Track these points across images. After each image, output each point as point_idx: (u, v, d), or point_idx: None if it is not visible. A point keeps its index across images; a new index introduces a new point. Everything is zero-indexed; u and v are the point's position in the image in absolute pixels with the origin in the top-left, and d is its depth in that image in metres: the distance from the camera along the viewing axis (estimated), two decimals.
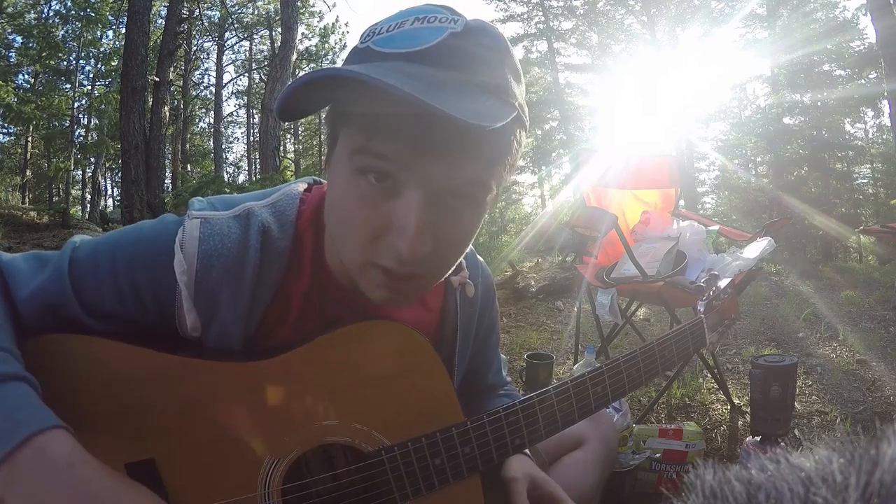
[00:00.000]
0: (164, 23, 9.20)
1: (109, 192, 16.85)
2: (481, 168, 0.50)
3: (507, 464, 0.71)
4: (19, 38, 13.20)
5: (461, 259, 0.73)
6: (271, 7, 15.29)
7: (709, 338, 0.87)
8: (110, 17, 13.35)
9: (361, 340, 0.61)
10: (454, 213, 0.52)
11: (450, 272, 0.58)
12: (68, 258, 0.58)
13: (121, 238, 0.61)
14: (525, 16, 16.29)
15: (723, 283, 0.94)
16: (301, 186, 0.67)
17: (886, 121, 11.27)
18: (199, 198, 0.63)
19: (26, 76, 13.63)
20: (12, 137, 14.56)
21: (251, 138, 17.94)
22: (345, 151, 0.51)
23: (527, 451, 0.73)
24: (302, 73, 0.48)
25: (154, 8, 9.85)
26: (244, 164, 19.13)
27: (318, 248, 0.63)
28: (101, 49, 13.97)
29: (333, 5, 14.38)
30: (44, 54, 12.81)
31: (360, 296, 0.58)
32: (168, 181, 11.43)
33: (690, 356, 0.94)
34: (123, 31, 8.79)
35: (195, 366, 0.57)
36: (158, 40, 9.56)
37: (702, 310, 0.88)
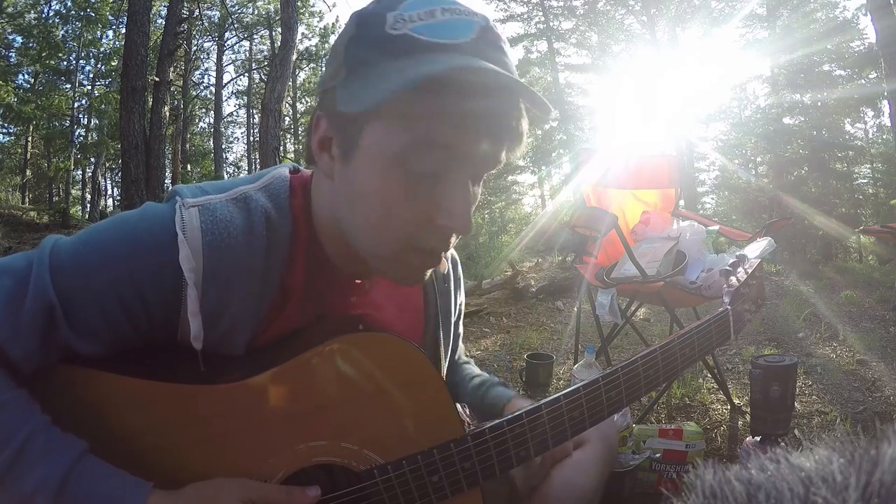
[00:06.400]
0: (164, 23, 9.17)
1: (109, 192, 16.84)
2: (508, 151, 0.54)
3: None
4: (19, 38, 13.21)
5: None
6: (271, 7, 15.28)
7: (734, 329, 0.79)
8: (110, 17, 13.37)
9: (350, 355, 0.58)
10: (474, 191, 0.55)
11: None
12: (48, 267, 0.51)
13: (109, 238, 0.54)
14: (525, 16, 16.28)
15: (747, 266, 0.85)
16: (286, 170, 0.64)
17: (886, 121, 11.26)
18: (183, 185, 0.59)
19: (26, 76, 13.66)
20: (12, 137, 14.56)
21: (251, 138, 17.92)
22: (389, 144, 0.50)
23: None
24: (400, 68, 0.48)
25: (154, 8, 9.84)
26: (244, 164, 19.12)
27: (311, 234, 0.61)
28: (101, 49, 13.99)
29: (333, 5, 14.43)
30: (44, 54, 12.82)
31: (358, 282, 0.63)
32: (168, 181, 11.40)
33: (711, 351, 0.87)
34: (123, 31, 8.78)
35: (178, 392, 0.55)
36: (158, 40, 9.55)
37: (728, 301, 0.80)
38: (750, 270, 0.84)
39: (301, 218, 0.60)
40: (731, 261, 0.86)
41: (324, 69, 0.57)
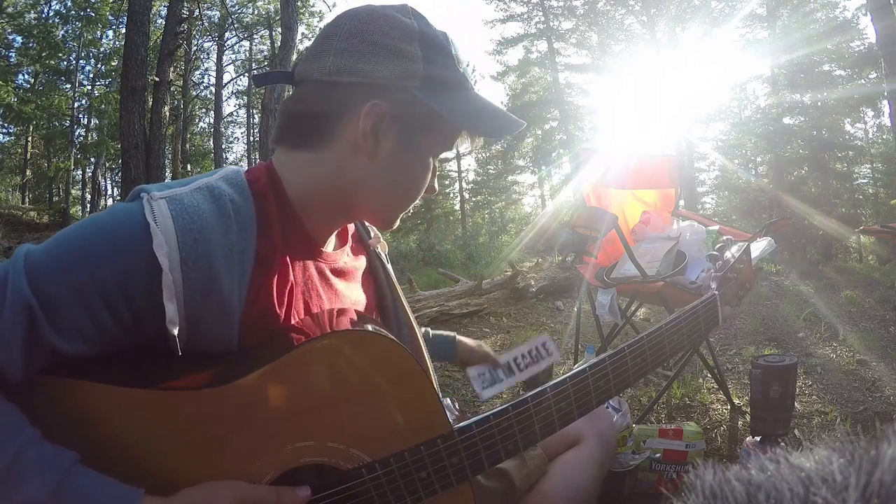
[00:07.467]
0: (164, 23, 9.17)
1: (109, 192, 16.80)
2: None
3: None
4: (19, 38, 13.21)
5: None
6: (271, 7, 15.27)
7: (722, 313, 0.80)
8: (110, 17, 13.38)
9: (333, 354, 0.58)
10: None
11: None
12: (24, 272, 0.51)
13: (82, 237, 0.55)
14: (525, 16, 16.29)
15: (734, 250, 0.85)
16: (235, 167, 0.69)
17: (886, 121, 11.27)
18: (146, 185, 0.61)
19: (26, 76, 13.66)
20: (12, 137, 14.56)
21: (251, 138, 17.93)
22: (436, 146, 0.67)
23: None
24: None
25: (154, 8, 9.85)
26: (244, 164, 18.97)
27: (283, 209, 0.64)
28: (101, 49, 13.99)
29: (333, 5, 14.30)
30: (44, 54, 12.82)
31: (322, 250, 0.70)
32: (168, 181, 11.39)
33: (701, 338, 0.88)
34: (123, 31, 8.79)
35: (165, 398, 0.55)
36: (158, 40, 9.55)
37: (714, 286, 0.80)
38: (737, 255, 0.84)
39: (269, 195, 0.64)
40: (718, 245, 0.86)
41: (367, 62, 0.61)
